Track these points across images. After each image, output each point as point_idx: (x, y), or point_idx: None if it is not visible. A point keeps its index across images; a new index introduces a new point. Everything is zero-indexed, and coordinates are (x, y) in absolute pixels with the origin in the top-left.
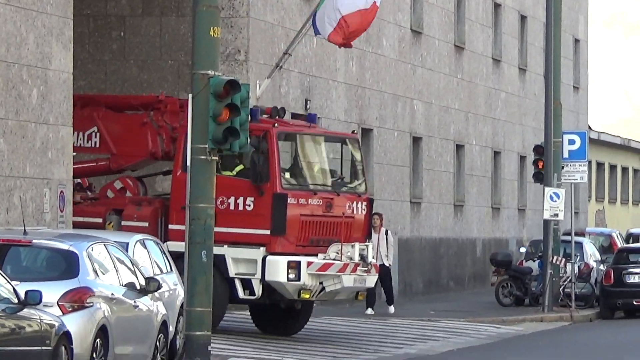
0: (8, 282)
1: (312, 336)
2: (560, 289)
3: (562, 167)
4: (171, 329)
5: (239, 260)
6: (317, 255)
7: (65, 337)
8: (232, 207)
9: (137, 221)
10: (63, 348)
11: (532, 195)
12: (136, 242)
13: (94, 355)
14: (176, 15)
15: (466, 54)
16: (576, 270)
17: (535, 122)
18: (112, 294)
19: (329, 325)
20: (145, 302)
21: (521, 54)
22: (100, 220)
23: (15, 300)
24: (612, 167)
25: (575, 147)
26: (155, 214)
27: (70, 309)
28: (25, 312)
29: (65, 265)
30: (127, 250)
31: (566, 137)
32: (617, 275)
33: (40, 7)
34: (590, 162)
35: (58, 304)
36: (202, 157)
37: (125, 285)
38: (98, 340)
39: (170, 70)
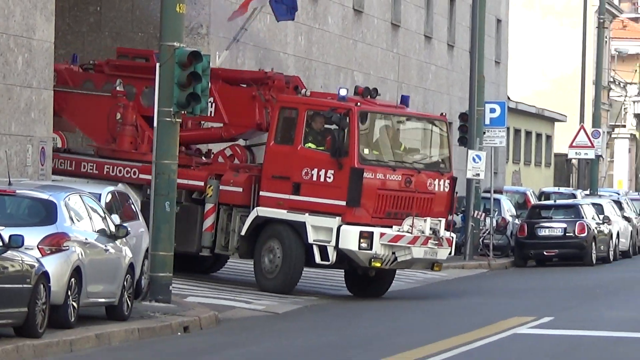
0: None
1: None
2: (480, 240)
3: (484, 133)
4: (137, 270)
5: (317, 228)
6: (392, 227)
7: (44, 276)
8: (314, 178)
9: (233, 186)
10: (42, 286)
11: (457, 157)
12: (108, 193)
13: (69, 293)
14: None
15: (401, 31)
16: (494, 224)
17: (461, 92)
18: (86, 239)
19: None
20: (114, 247)
21: (450, 32)
22: (202, 183)
23: (0, 244)
24: (528, 133)
25: (496, 115)
26: (249, 181)
27: (48, 252)
28: (9, 254)
29: (44, 212)
30: (99, 200)
31: (488, 106)
32: (530, 229)
33: None
34: (508, 129)
35: (38, 247)
36: (168, 119)
37: (97, 232)
38: (73, 279)
39: (141, 42)
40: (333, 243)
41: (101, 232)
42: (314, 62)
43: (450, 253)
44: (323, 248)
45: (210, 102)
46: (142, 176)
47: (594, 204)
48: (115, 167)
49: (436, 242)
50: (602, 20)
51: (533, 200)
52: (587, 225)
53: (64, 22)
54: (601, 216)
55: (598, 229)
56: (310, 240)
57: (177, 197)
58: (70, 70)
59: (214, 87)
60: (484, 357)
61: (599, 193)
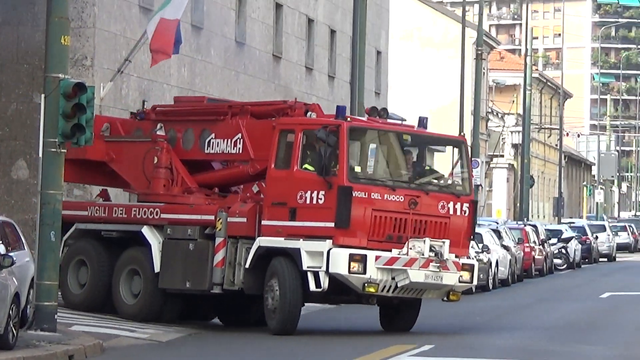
0: None
1: None
2: None
3: None
4: (23, 299)
5: (311, 254)
6: (391, 250)
7: None
8: (308, 201)
9: (238, 217)
10: None
11: None
12: None
13: None
14: (32, 25)
15: (283, 63)
16: None
17: None
18: None
19: None
20: None
21: (331, 63)
22: (212, 217)
23: None
24: None
25: None
26: (253, 210)
27: None
28: None
29: None
30: None
31: None
32: None
33: None
34: None
35: None
36: (53, 149)
37: None
38: None
39: (26, 73)
40: (324, 268)
41: None
42: (197, 93)
43: (469, 280)
44: (316, 274)
45: (238, 138)
46: (163, 216)
47: None
48: (140, 209)
49: (438, 264)
50: (479, 52)
51: None
52: None
53: None
54: (480, 245)
55: (477, 257)
56: (305, 267)
57: (192, 234)
58: (123, 121)
59: (241, 122)
60: None
61: (477, 222)
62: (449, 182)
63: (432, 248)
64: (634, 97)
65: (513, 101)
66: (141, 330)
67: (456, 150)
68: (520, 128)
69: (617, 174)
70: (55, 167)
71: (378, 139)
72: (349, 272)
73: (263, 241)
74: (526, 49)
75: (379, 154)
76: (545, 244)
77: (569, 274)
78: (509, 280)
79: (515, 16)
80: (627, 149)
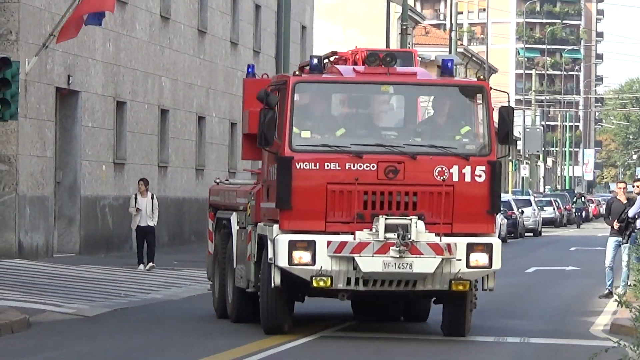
0: None
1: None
2: None
3: None
4: None
5: (271, 242)
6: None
7: None
8: (271, 176)
9: (253, 200)
10: None
11: None
12: None
13: None
14: None
15: (208, 37)
16: None
17: None
18: None
19: (84, 272)
20: None
21: (256, 38)
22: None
23: None
24: None
25: None
26: (259, 192)
27: None
28: None
29: None
30: None
31: None
32: None
33: None
34: None
35: None
36: None
37: None
38: None
39: None
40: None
41: None
42: (122, 67)
43: (486, 264)
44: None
45: None
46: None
47: None
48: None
49: (401, 248)
50: (404, 27)
51: None
52: None
53: None
54: None
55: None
56: (268, 259)
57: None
58: None
59: None
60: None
61: None
62: (449, 139)
63: (397, 228)
64: (558, 72)
65: None
66: (68, 305)
67: (458, 97)
68: None
69: (543, 149)
70: None
71: (343, 95)
72: (290, 263)
73: (259, 228)
74: (451, 24)
75: (344, 112)
76: None
77: None
78: None
79: None
80: (552, 123)
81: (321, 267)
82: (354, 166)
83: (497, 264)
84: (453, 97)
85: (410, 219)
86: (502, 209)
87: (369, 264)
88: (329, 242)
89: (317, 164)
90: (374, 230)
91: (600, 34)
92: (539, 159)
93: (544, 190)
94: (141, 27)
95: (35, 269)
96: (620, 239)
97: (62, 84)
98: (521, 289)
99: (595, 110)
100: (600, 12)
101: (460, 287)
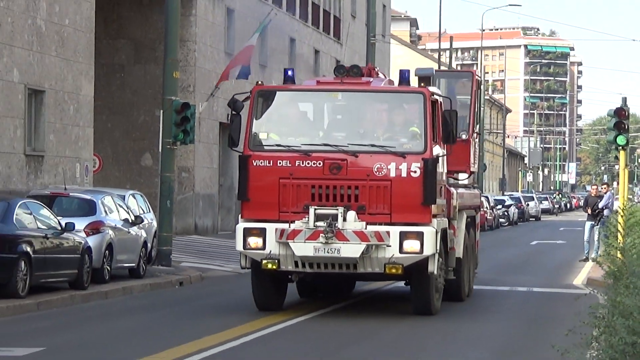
0: (55, 217)
1: None
2: None
3: None
4: (149, 245)
5: None
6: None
7: (88, 249)
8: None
9: None
10: (86, 256)
11: None
12: (129, 195)
13: (104, 260)
14: (154, 64)
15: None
16: None
17: None
18: (115, 225)
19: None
20: (134, 230)
21: None
22: None
23: (59, 228)
24: None
25: None
26: None
27: (91, 233)
28: (65, 235)
29: (88, 207)
30: (124, 200)
31: None
32: None
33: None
34: None
35: (84, 230)
36: (168, 146)
37: (123, 220)
38: (107, 251)
39: (151, 96)
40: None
41: (125, 220)
42: None
43: (418, 250)
44: None
45: None
46: None
47: None
48: None
49: (329, 235)
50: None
51: None
52: None
53: (99, 83)
54: None
55: None
56: None
57: None
58: None
59: None
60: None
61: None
62: (387, 140)
63: (326, 217)
64: (552, 112)
65: None
66: (227, 265)
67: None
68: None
69: (541, 163)
70: (169, 158)
71: (299, 101)
72: (245, 247)
73: None
74: (482, 80)
75: (298, 117)
76: (494, 209)
77: (509, 229)
78: None
79: (474, 58)
80: (548, 146)
81: (270, 251)
82: (302, 163)
83: (428, 250)
84: (396, 102)
85: (338, 209)
86: (514, 202)
87: (302, 248)
88: (276, 230)
89: (271, 162)
90: (306, 219)
91: (580, 87)
92: (539, 169)
93: (542, 190)
94: None
95: (205, 242)
96: (593, 222)
97: (223, 120)
98: (527, 255)
99: (576, 137)
100: (580, 72)
101: (394, 271)
